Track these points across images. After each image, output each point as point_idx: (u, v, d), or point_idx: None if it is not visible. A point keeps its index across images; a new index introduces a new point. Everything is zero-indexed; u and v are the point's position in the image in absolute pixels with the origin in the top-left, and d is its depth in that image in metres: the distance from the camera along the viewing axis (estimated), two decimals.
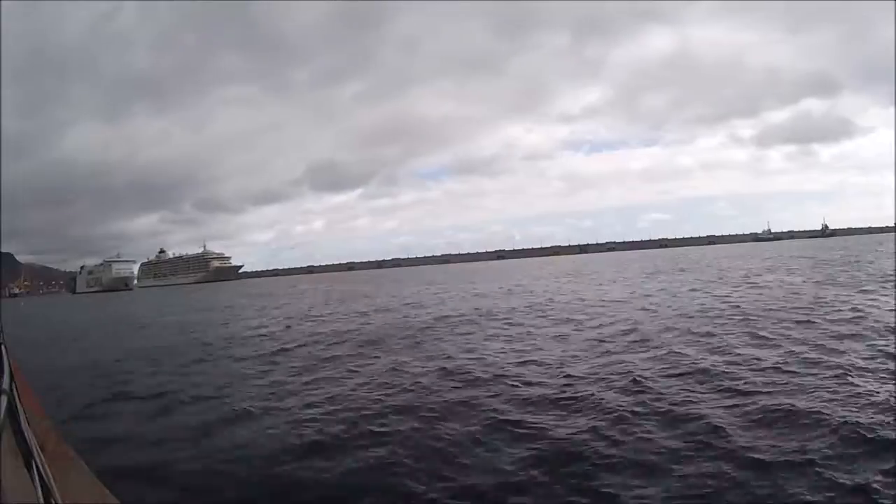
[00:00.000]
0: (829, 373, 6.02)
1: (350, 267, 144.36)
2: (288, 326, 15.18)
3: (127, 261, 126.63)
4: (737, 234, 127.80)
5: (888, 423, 4.40)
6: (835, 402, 4.99)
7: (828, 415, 4.67)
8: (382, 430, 5.22)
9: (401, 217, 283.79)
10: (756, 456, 4.03)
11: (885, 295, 12.43)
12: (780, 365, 6.56)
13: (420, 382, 7.00)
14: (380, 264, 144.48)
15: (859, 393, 5.23)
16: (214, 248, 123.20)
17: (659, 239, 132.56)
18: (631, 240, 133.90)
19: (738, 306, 12.16)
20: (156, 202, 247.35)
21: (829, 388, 5.46)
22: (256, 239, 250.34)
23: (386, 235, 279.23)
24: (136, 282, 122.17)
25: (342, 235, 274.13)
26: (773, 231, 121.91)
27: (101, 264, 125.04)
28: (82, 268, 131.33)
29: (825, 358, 6.75)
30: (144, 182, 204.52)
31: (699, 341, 8.53)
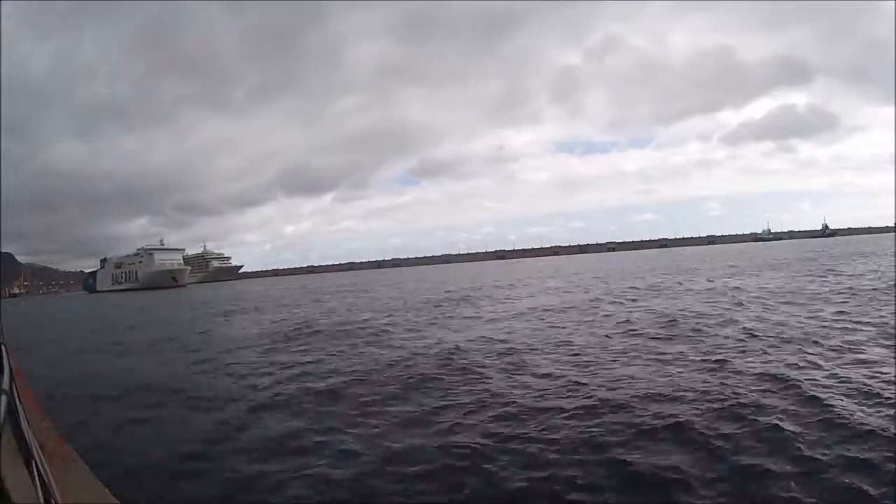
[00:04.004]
0: None
1: (350, 267, 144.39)
2: None
3: (174, 249, 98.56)
4: (737, 235, 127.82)
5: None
6: None
7: None
8: None
9: (392, 218, 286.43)
10: None
11: None
12: None
13: None
14: (379, 264, 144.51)
15: None
16: (212, 248, 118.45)
17: (659, 239, 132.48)
18: (631, 240, 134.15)
19: None
20: (141, 207, 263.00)
21: None
22: (248, 240, 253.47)
23: (380, 236, 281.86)
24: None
25: (339, 237, 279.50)
26: (773, 231, 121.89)
27: (137, 254, 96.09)
28: (104, 260, 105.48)
29: None
30: (129, 189, 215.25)
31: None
